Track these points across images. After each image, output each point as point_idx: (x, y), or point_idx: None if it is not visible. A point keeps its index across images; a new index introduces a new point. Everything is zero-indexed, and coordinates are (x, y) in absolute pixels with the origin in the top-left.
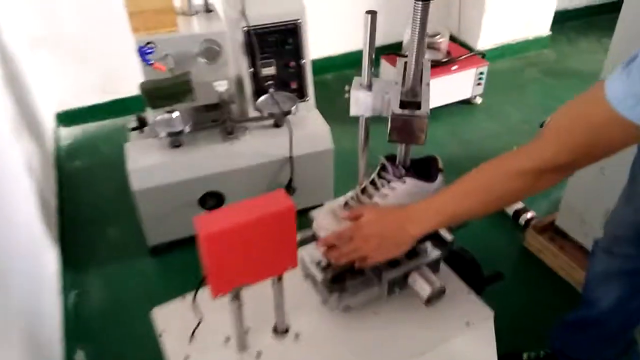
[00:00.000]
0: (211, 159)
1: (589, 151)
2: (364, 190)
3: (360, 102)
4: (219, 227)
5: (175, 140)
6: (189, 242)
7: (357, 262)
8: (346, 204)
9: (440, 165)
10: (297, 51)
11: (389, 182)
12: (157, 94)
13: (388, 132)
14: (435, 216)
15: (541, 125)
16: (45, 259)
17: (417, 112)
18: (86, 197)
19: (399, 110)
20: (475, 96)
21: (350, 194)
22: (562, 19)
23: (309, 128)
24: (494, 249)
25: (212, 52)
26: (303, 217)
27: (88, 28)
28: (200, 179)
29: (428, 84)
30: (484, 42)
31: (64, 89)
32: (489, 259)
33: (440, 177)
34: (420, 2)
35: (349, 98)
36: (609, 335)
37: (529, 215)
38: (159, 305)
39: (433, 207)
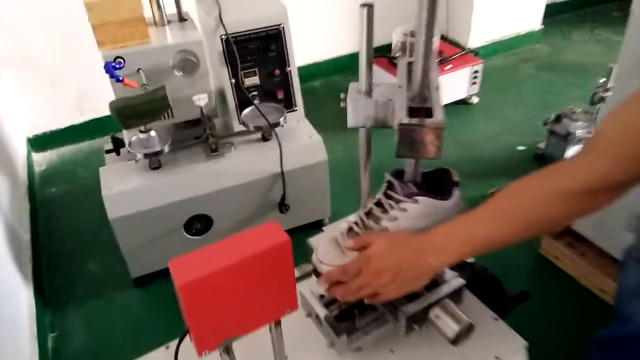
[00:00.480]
0: (195, 179)
1: None
2: (369, 213)
3: (360, 111)
4: (199, 274)
5: (154, 162)
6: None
7: (367, 299)
8: (350, 229)
9: (455, 177)
10: (281, 58)
11: (397, 202)
12: (129, 112)
13: (396, 147)
14: (462, 245)
15: (545, 124)
16: (18, 300)
17: (430, 121)
18: (63, 228)
19: (407, 119)
20: (471, 96)
21: (352, 217)
22: (554, 12)
23: (300, 139)
24: (507, 258)
25: (188, 63)
26: (299, 236)
27: (57, 45)
28: (184, 202)
29: (438, 88)
30: (475, 39)
31: (35, 112)
32: (503, 270)
33: (456, 192)
34: None
35: (345, 107)
36: None
37: None
38: (141, 358)
39: (458, 233)
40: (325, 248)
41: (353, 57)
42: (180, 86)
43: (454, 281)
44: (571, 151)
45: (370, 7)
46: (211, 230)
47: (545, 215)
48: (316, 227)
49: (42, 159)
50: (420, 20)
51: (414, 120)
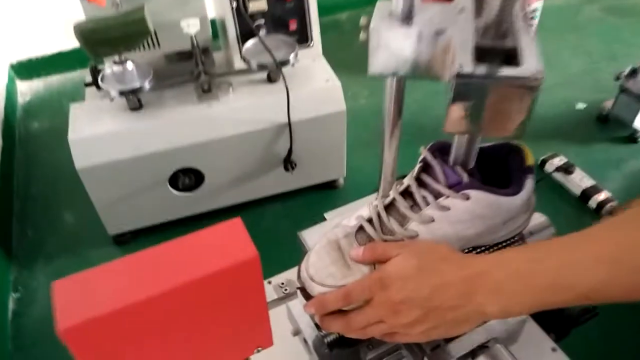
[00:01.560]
0: (182, 125)
1: None
2: (391, 207)
3: (391, 49)
4: (98, 310)
5: (133, 101)
6: (162, 229)
7: (378, 337)
8: (360, 229)
9: (530, 160)
10: None
11: (437, 194)
12: (98, 37)
13: (447, 114)
14: (544, 290)
15: (617, 79)
16: None
17: (514, 72)
18: (42, 170)
19: (471, 67)
20: None
21: (365, 210)
22: None
23: (314, 83)
24: None
25: None
26: (307, 198)
27: None
28: (169, 152)
29: (528, 11)
30: None
31: (20, 35)
32: None
33: (529, 183)
34: None
35: (366, 41)
36: None
37: (602, 196)
38: None
39: (541, 271)
40: (320, 256)
41: None
42: (166, 7)
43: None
44: None
45: None
46: (202, 186)
47: None
48: (329, 188)
49: (27, 89)
50: None
51: (485, 69)
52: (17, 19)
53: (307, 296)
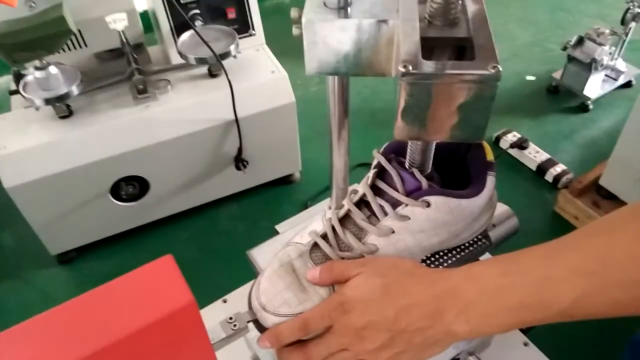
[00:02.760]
0: (118, 131)
1: None
2: (346, 219)
3: (327, 44)
4: None
5: (61, 109)
6: (107, 244)
7: None
8: (315, 246)
9: (490, 156)
10: None
11: (395, 203)
12: (14, 42)
13: (396, 118)
14: (519, 307)
15: (564, 48)
16: None
17: (467, 66)
18: None
19: (420, 64)
20: None
21: (319, 224)
22: None
23: (259, 75)
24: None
25: None
26: (263, 196)
27: None
28: (106, 161)
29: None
30: None
31: None
32: None
33: (490, 181)
34: None
35: (300, 36)
36: None
37: (558, 169)
38: None
39: (515, 285)
40: (272, 281)
41: None
42: (88, 2)
43: None
44: (592, 82)
45: None
46: (148, 195)
47: None
48: (285, 183)
49: None
50: None
51: (435, 65)
52: None
53: (261, 328)
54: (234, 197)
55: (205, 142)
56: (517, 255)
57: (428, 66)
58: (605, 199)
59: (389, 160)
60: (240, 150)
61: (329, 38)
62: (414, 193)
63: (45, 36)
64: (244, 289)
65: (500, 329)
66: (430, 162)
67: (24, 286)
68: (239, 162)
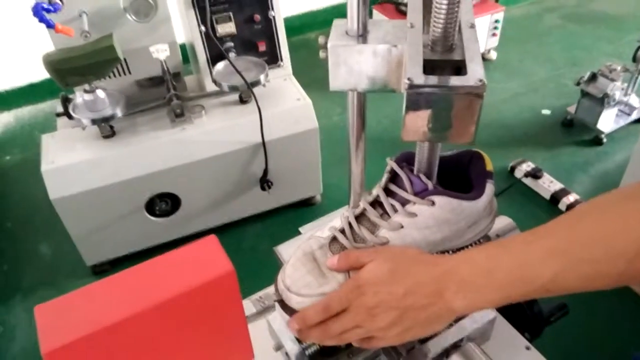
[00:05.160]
0: (156, 151)
1: None
2: (361, 217)
3: (348, 66)
4: (78, 332)
5: (105, 129)
6: (140, 257)
7: (356, 343)
8: (334, 240)
9: (489, 165)
10: (263, 0)
11: (404, 202)
12: (68, 67)
13: (403, 124)
14: (505, 285)
15: (577, 84)
16: None
17: (459, 81)
18: (16, 201)
19: (422, 79)
20: (489, 50)
21: (338, 221)
22: None
23: (286, 102)
24: None
25: (143, 5)
26: (285, 216)
27: None
28: (144, 178)
29: (473, 26)
30: None
31: None
32: None
33: (489, 188)
34: None
35: (325, 59)
36: None
37: (571, 198)
38: None
39: (503, 266)
40: (296, 267)
41: None
42: (135, 34)
43: (483, 314)
44: (605, 116)
45: None
46: (179, 211)
47: None
48: (306, 205)
49: None
50: None
51: (434, 80)
52: None
53: (285, 307)
54: (259, 217)
55: (234, 163)
56: (505, 241)
57: (427, 80)
58: None
59: (401, 166)
60: (265, 171)
61: (349, 60)
62: (421, 193)
63: (95, 63)
64: (267, 289)
65: (492, 304)
66: (436, 169)
67: (58, 294)
68: (264, 183)
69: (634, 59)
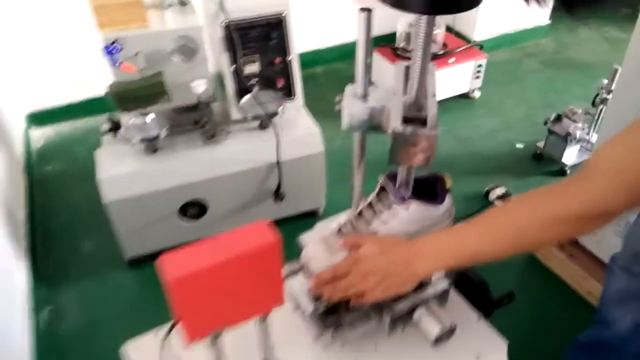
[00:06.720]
0: (191, 165)
1: None
2: (360, 215)
3: (355, 115)
4: (188, 270)
5: (150, 146)
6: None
7: (353, 299)
8: (340, 230)
9: (448, 184)
10: (282, 46)
11: (389, 205)
12: (127, 97)
13: (389, 153)
14: (450, 256)
15: (545, 123)
16: (14, 274)
17: (423, 130)
18: (58, 205)
19: (400, 128)
20: (473, 90)
21: (343, 217)
22: (562, 7)
23: (298, 130)
24: None
25: (188, 49)
26: (293, 225)
27: (58, 25)
28: (179, 187)
29: (434, 95)
30: (481, 32)
31: (35, 88)
32: (492, 268)
33: (448, 199)
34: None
35: (340, 110)
36: None
37: None
38: (130, 341)
39: (449, 245)
40: (315, 247)
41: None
42: (179, 71)
43: (440, 284)
44: (569, 152)
45: (369, 12)
46: (205, 216)
47: (537, 237)
48: (310, 216)
49: (40, 136)
50: (417, 38)
51: (408, 129)
52: (32, 74)
53: (306, 271)
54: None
55: (253, 178)
56: (452, 228)
57: (404, 129)
58: (568, 243)
59: (388, 181)
60: (279, 186)
61: (355, 111)
62: (401, 200)
63: (149, 94)
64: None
65: (442, 268)
66: (411, 184)
67: (104, 282)
68: (277, 195)
69: (593, 104)
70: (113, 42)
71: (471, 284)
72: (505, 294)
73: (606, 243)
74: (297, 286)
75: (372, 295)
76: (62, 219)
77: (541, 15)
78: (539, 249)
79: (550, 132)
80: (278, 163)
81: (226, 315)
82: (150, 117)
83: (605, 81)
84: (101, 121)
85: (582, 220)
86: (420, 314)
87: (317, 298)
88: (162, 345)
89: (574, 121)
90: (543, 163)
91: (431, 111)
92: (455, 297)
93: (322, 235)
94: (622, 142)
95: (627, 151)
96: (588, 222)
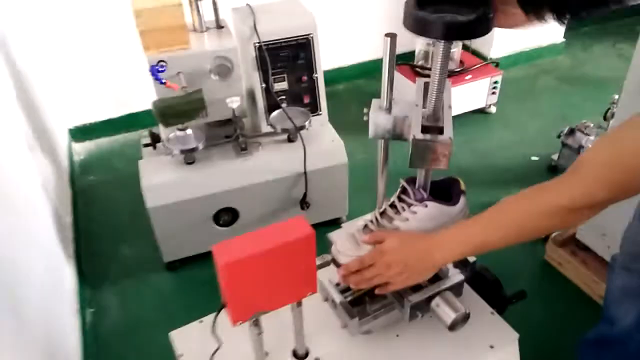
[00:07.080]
0: (225, 175)
1: (628, 187)
2: (383, 213)
3: (379, 125)
4: (238, 256)
5: (189, 157)
6: (204, 257)
7: (377, 289)
8: (365, 226)
9: (463, 187)
10: (309, 65)
11: (409, 205)
12: (170, 112)
13: (409, 158)
14: (462, 245)
15: (558, 136)
16: (62, 275)
17: (440, 138)
18: (100, 213)
19: (420, 135)
20: (489, 105)
21: (369, 216)
22: (576, 25)
23: (323, 143)
24: (514, 263)
25: (224, 68)
26: (318, 231)
27: (99, 41)
28: (215, 195)
29: (450, 107)
30: (497, 50)
31: (77, 104)
32: (510, 273)
33: (462, 200)
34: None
35: (367, 120)
36: (632, 355)
37: None
38: (178, 329)
39: (460, 236)
40: (344, 241)
41: (376, 63)
42: (216, 89)
43: (455, 276)
44: None
45: (393, 37)
46: (237, 222)
47: (533, 226)
48: (334, 224)
49: (82, 149)
50: (436, 59)
51: (427, 137)
52: (74, 92)
53: (337, 264)
54: None
55: (281, 187)
56: (463, 222)
57: (422, 136)
58: (580, 249)
59: (408, 183)
60: (305, 195)
61: (379, 121)
62: (420, 200)
63: (189, 109)
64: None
65: (457, 257)
66: (429, 185)
67: (142, 284)
68: (303, 203)
69: (605, 118)
70: (159, 62)
71: (486, 281)
72: (518, 292)
73: (615, 248)
74: (326, 279)
75: (395, 284)
76: (103, 225)
77: (556, 33)
78: (539, 236)
79: (564, 145)
80: (305, 173)
81: (267, 299)
82: (190, 131)
83: (617, 96)
84: (137, 135)
85: (570, 212)
86: (437, 302)
87: (344, 291)
88: (212, 325)
89: (587, 134)
90: (557, 175)
91: (447, 121)
92: (470, 293)
93: (349, 230)
94: (609, 141)
95: (613, 150)
96: (576, 214)
